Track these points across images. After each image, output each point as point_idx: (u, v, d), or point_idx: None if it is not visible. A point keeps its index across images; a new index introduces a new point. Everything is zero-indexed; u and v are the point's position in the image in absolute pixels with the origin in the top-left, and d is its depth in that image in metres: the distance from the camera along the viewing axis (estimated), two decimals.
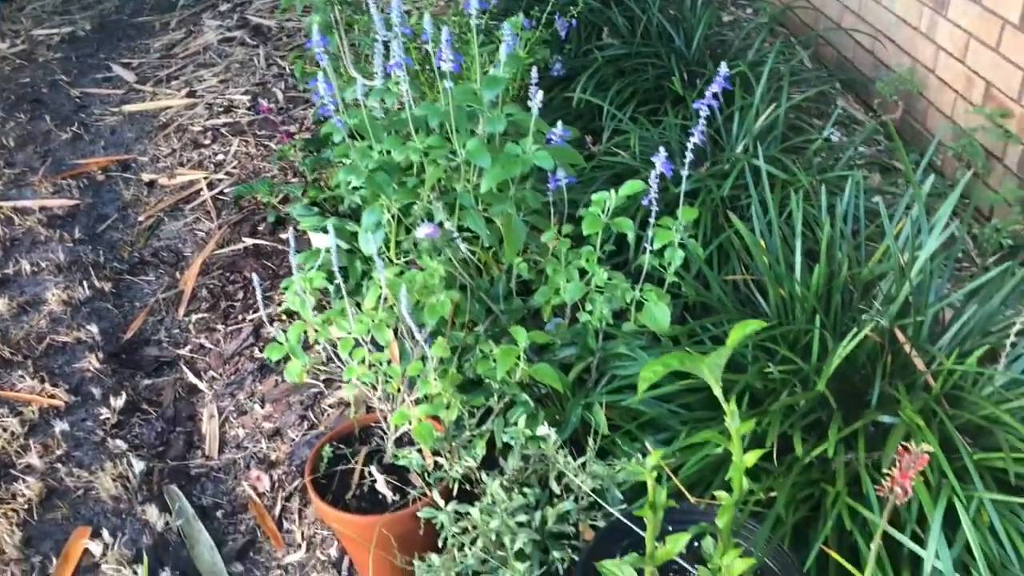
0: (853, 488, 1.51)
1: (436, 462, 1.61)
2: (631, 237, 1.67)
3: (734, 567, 1.21)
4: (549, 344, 1.74)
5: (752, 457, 1.20)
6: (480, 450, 1.64)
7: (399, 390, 1.59)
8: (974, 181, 2.54)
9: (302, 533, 1.90)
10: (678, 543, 1.24)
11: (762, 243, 1.91)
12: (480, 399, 1.66)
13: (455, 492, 1.59)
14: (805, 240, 1.98)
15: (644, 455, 1.56)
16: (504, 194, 1.71)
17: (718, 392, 1.14)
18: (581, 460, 1.48)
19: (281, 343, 1.60)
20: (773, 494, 1.52)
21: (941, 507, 1.39)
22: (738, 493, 1.24)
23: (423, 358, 1.58)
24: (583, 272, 1.75)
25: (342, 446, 1.75)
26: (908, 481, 0.97)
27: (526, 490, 1.54)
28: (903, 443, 0.99)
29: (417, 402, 1.63)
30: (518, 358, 1.57)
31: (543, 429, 1.45)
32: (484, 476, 1.57)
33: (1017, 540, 1.42)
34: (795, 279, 1.84)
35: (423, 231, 1.56)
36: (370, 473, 1.68)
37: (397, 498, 1.66)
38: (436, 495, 1.51)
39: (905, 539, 1.40)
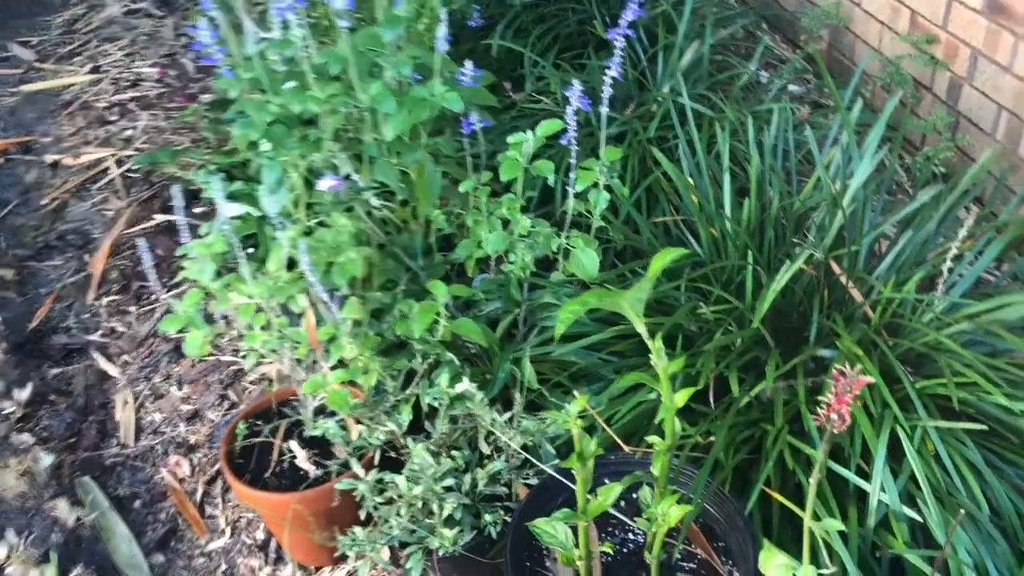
0: (794, 426, 1.44)
1: (360, 431, 1.51)
2: (552, 180, 1.58)
3: (670, 514, 1.14)
4: (474, 299, 1.64)
5: (682, 397, 1.13)
6: (406, 415, 1.54)
7: (308, 356, 1.49)
8: (902, 111, 2.49)
9: (226, 518, 1.79)
10: (610, 494, 1.16)
11: (690, 181, 1.83)
12: (403, 361, 1.56)
13: (379, 461, 1.50)
14: (736, 178, 1.91)
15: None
16: (416, 143, 1.61)
17: (641, 329, 1.06)
18: (507, 415, 1.39)
19: (179, 314, 1.48)
20: (713, 438, 1.45)
21: (884, 438, 1.33)
22: (670, 437, 1.17)
23: (337, 322, 1.48)
24: (506, 222, 1.66)
25: (260, 422, 1.64)
26: (845, 407, 0.90)
27: (455, 453, 1.46)
28: (838, 367, 0.92)
29: (333, 369, 1.52)
30: (438, 315, 1.47)
31: (463, 385, 1.36)
32: (410, 442, 1.48)
33: (963, 468, 1.37)
34: (725, 216, 1.77)
35: (325, 184, 1.45)
36: (289, 449, 1.57)
37: (320, 473, 1.56)
38: (356, 466, 1.41)
39: (849, 474, 1.34)
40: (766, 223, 1.77)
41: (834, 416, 0.90)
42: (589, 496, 1.19)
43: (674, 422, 1.16)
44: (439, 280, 1.48)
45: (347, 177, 1.57)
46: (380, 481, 1.37)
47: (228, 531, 1.77)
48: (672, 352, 1.58)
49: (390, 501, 1.40)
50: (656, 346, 1.08)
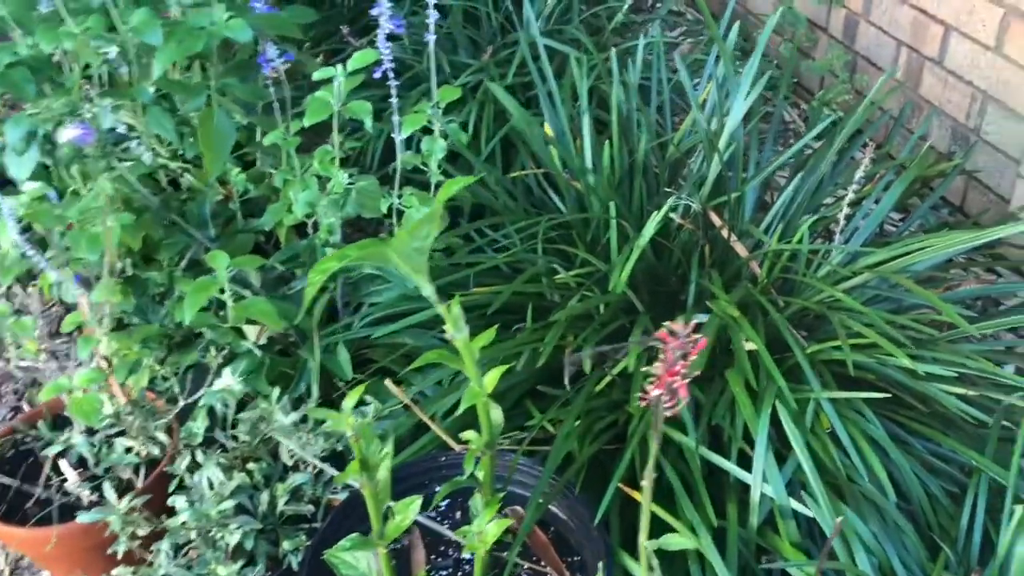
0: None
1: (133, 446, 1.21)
2: (369, 124, 1.30)
3: (486, 533, 0.87)
4: (283, 274, 1.35)
5: (492, 379, 0.86)
6: (201, 422, 1.25)
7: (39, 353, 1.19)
8: (800, 59, 2.28)
9: (7, 556, 1.47)
10: (408, 511, 0.89)
11: (547, 129, 1.57)
12: (192, 355, 1.26)
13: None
14: (606, 126, 1.65)
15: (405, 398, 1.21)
16: (200, 83, 1.31)
17: (427, 289, 0.79)
18: (295, 416, 1.11)
19: None
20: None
21: (766, 418, 1.09)
22: (487, 431, 0.90)
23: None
24: (324, 181, 1.37)
25: (29, 438, 1.33)
26: (680, 381, 0.64)
27: (251, 466, 1.17)
28: (667, 326, 0.66)
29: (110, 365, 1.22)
30: (222, 291, 1.18)
31: (226, 379, 1.07)
32: (200, 455, 1.19)
33: (864, 445, 1.13)
34: (587, 167, 1.51)
35: (66, 134, 1.14)
36: (56, 469, 1.27)
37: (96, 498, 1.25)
38: (109, 490, 1.11)
39: (727, 463, 1.09)
40: (634, 172, 1.51)
41: (663, 394, 0.64)
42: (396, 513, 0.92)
43: (490, 412, 0.89)
44: (226, 253, 1.18)
45: (112, 130, 1.27)
46: (133, 510, 1.08)
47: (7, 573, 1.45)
48: (523, 325, 1.32)
49: (160, 534, 1.11)
50: (452, 314, 0.81)
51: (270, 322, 1.15)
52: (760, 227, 1.51)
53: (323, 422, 1.14)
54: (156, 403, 1.27)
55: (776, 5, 2.24)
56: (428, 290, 0.79)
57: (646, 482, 0.71)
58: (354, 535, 0.90)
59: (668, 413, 0.65)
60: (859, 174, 1.47)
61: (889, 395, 1.13)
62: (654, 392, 0.64)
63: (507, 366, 0.88)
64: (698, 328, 1.29)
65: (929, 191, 1.88)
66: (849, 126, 1.58)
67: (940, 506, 1.16)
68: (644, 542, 0.71)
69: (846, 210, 1.47)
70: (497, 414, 0.91)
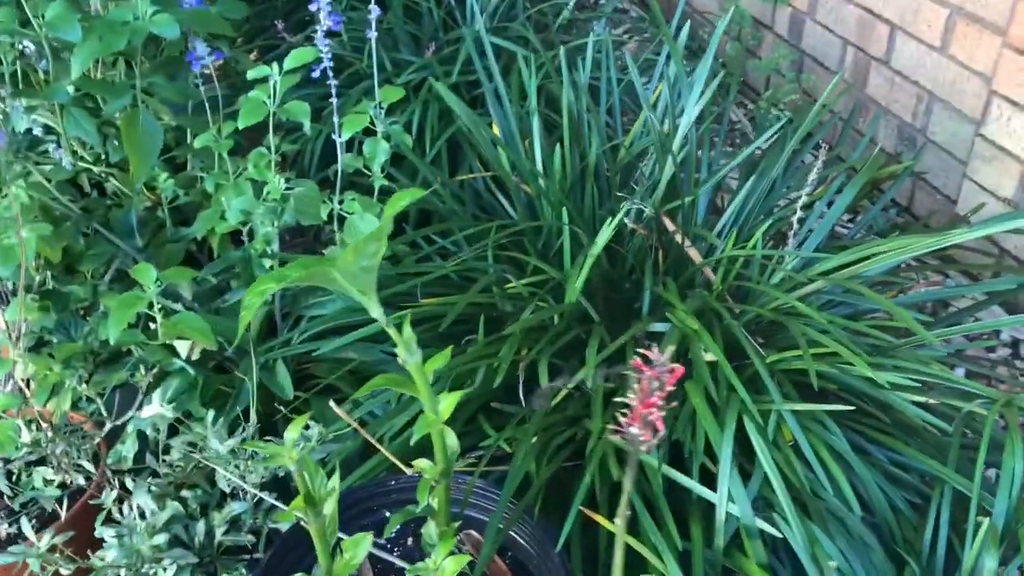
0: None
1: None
2: (308, 127, 1.22)
3: (444, 569, 0.81)
4: (218, 285, 1.27)
5: (449, 405, 0.80)
6: (131, 444, 1.16)
7: None
8: (745, 58, 2.26)
9: None
10: (358, 549, 0.82)
11: (494, 128, 1.51)
12: (120, 375, 1.18)
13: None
14: (555, 127, 1.60)
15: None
16: (124, 82, 1.22)
17: (375, 310, 0.72)
18: (232, 441, 1.04)
19: None
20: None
21: (730, 433, 1.05)
22: (442, 459, 0.84)
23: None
24: (260, 185, 1.29)
25: None
26: (656, 413, 0.59)
27: (186, 493, 1.09)
28: (639, 351, 0.61)
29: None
30: (150, 306, 1.09)
31: (155, 406, 0.99)
32: (130, 482, 1.11)
33: (827, 458, 1.10)
34: (537, 171, 1.45)
35: None
36: None
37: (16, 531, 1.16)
38: (27, 526, 1.02)
39: (690, 482, 1.05)
40: (586, 177, 1.47)
41: (635, 431, 0.59)
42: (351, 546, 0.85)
43: (445, 439, 0.83)
44: (154, 264, 1.10)
45: (27, 132, 1.17)
46: (55, 548, 0.99)
47: None
48: (474, 338, 1.26)
49: (86, 572, 1.03)
50: (403, 337, 0.75)
51: (203, 340, 1.07)
52: (714, 231, 1.48)
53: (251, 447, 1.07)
54: (84, 425, 1.18)
55: (723, 4, 2.22)
56: (377, 311, 0.72)
57: (619, 520, 0.66)
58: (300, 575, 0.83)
59: (644, 448, 0.60)
60: (812, 177, 1.44)
61: (853, 407, 1.10)
62: (630, 428, 0.59)
63: (464, 391, 0.82)
64: (655, 338, 1.26)
65: (879, 193, 1.87)
66: (801, 129, 1.55)
67: (904, 518, 1.13)
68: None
69: (799, 213, 1.44)
70: (452, 440, 0.85)
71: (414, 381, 0.78)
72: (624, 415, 0.61)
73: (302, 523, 0.80)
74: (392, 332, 0.74)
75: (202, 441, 1.04)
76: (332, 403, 1.01)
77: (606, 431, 1.08)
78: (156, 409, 1.01)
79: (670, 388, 0.58)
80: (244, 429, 1.06)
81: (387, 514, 1.08)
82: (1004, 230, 1.32)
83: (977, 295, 1.77)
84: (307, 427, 1.06)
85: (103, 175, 1.36)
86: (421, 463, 0.85)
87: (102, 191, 1.37)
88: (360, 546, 0.81)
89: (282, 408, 1.20)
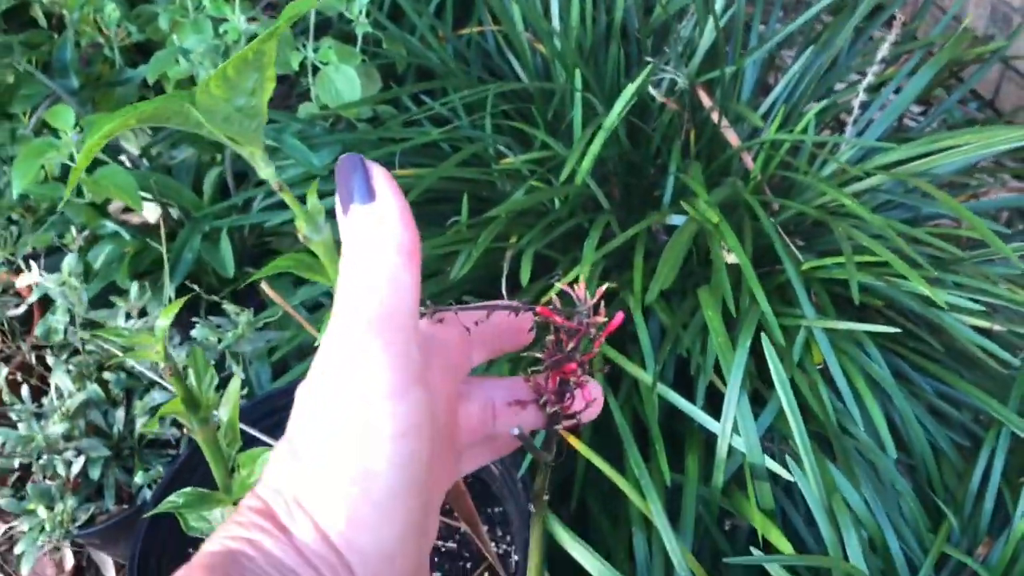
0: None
1: None
2: None
3: None
4: (172, 142, 1.10)
5: None
6: (62, 315, 1.02)
7: None
8: None
9: None
10: (255, 466, 0.67)
11: None
12: (44, 236, 1.02)
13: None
14: None
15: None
16: None
17: (259, 164, 0.54)
18: (140, 322, 0.88)
19: None
20: None
21: (743, 352, 0.86)
22: None
23: None
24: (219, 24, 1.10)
25: None
26: (578, 395, 0.38)
27: (108, 376, 0.95)
28: (559, 287, 0.39)
29: None
30: (71, 158, 0.92)
31: (32, 278, 0.84)
32: (51, 360, 0.97)
33: (862, 387, 0.92)
34: (552, 28, 1.23)
35: None
36: None
37: None
38: None
39: (690, 406, 0.87)
40: (611, 37, 1.24)
41: (554, 398, 0.38)
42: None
43: None
44: (97, 109, 0.93)
45: None
46: None
47: None
48: (458, 220, 1.07)
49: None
50: (309, 206, 0.57)
51: (128, 198, 0.90)
52: (758, 112, 1.26)
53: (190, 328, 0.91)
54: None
55: None
56: (266, 170, 0.54)
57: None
58: (189, 489, 0.68)
59: (566, 424, 0.39)
60: (881, 53, 1.21)
61: (900, 330, 0.90)
62: (546, 396, 0.38)
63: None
64: (669, 232, 1.06)
65: (958, 82, 1.62)
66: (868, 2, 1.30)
67: (947, 462, 0.95)
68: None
69: (862, 96, 1.22)
70: None
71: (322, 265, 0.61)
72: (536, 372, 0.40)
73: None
74: (289, 199, 0.56)
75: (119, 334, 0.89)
76: (264, 284, 0.84)
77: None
78: (35, 278, 0.86)
79: (596, 349, 0.38)
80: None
81: None
82: None
83: None
84: (238, 312, 0.90)
85: (54, 5, 1.18)
86: None
87: (62, 27, 1.19)
88: (256, 462, 0.66)
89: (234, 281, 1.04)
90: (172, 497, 0.68)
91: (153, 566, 0.81)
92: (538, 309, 0.35)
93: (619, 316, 0.37)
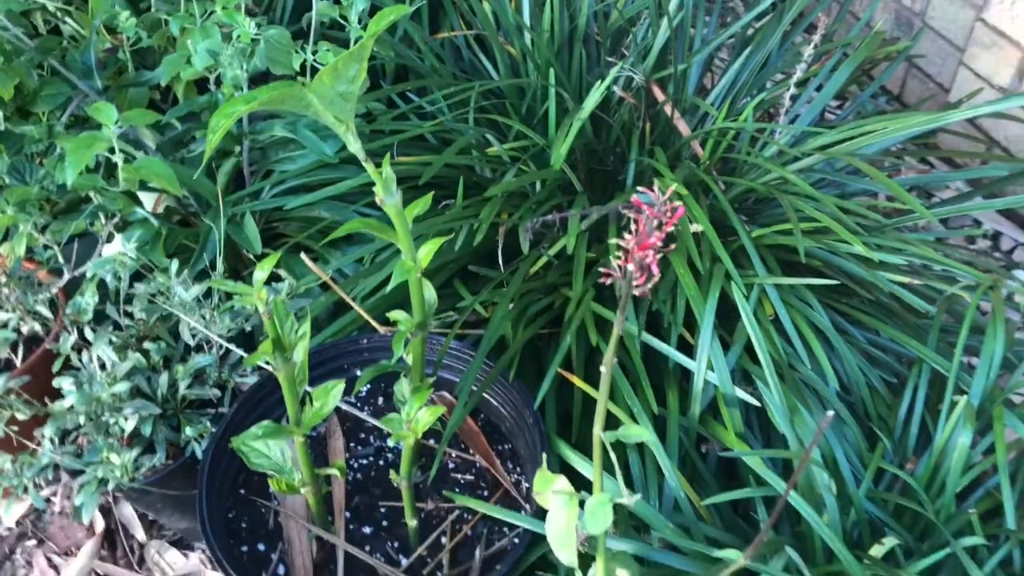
0: (604, 293, 1.12)
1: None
2: None
3: (418, 420, 0.79)
4: (181, 138, 1.20)
5: (428, 252, 0.76)
6: (91, 296, 1.11)
7: None
8: None
9: None
10: (328, 397, 0.79)
11: None
12: (78, 223, 1.12)
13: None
14: None
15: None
16: None
17: (351, 141, 0.67)
18: (197, 289, 0.99)
19: None
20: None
21: (713, 301, 1.02)
22: (419, 310, 0.80)
23: None
24: (228, 32, 1.21)
25: None
26: (652, 255, 0.55)
27: (148, 345, 1.05)
28: (640, 189, 0.57)
29: None
30: (112, 151, 1.03)
31: (116, 246, 0.95)
32: (89, 333, 1.06)
33: (808, 334, 1.09)
34: (524, 25, 1.38)
35: None
36: None
37: None
38: None
39: (668, 349, 1.03)
40: (575, 39, 1.40)
41: (632, 267, 0.56)
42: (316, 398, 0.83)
43: (423, 289, 0.80)
44: (110, 104, 1.03)
45: None
46: (11, 392, 0.95)
47: None
48: (451, 203, 1.21)
49: (44, 419, 0.99)
50: (383, 175, 0.70)
51: (168, 185, 1.01)
52: (701, 108, 1.43)
53: (229, 299, 1.02)
54: (37, 274, 1.13)
55: None
56: (355, 145, 0.67)
57: (605, 369, 0.63)
58: (266, 422, 0.80)
59: (637, 292, 0.56)
60: (808, 51, 1.39)
61: (838, 282, 1.07)
62: (626, 266, 0.55)
63: (444, 238, 0.78)
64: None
65: (870, 80, 1.82)
66: (795, 7, 1.48)
67: (880, 397, 1.13)
68: (599, 432, 0.64)
69: (792, 90, 1.39)
70: (431, 292, 0.81)
71: (391, 226, 0.74)
72: (618, 258, 0.57)
73: (271, 369, 0.77)
74: (370, 169, 0.69)
75: (166, 291, 0.99)
76: (303, 255, 0.96)
77: (586, 297, 1.05)
78: (118, 247, 0.96)
79: (669, 229, 0.55)
80: (211, 279, 1.01)
81: (357, 373, 1.06)
82: (991, 112, 1.27)
83: (961, 186, 1.75)
84: (277, 279, 1.02)
85: (59, 12, 1.27)
86: (397, 314, 0.81)
87: (57, 33, 1.28)
88: (330, 394, 0.78)
89: (252, 263, 1.15)
90: (252, 430, 0.80)
91: (214, 503, 0.92)
92: (634, 200, 0.50)
93: (682, 208, 0.52)
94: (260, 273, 0.71)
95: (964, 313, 1.09)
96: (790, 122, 1.45)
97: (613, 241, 0.57)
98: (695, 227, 1.12)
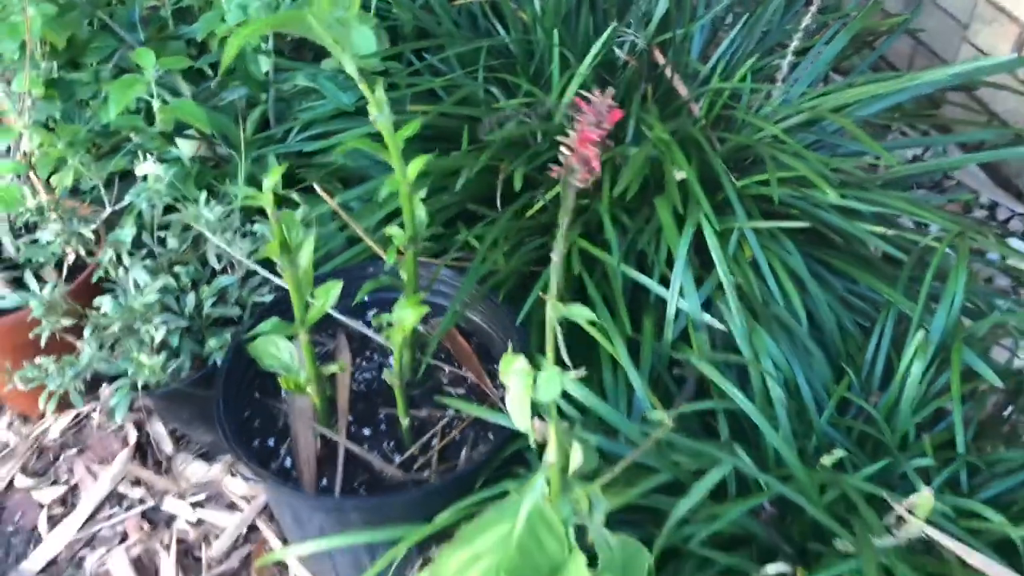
0: (596, 239, 1.21)
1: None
2: None
3: (404, 319, 0.89)
4: (214, 90, 1.32)
5: (415, 167, 0.86)
6: (129, 229, 1.23)
7: None
8: None
9: None
10: (329, 295, 0.90)
11: None
12: (117, 162, 1.24)
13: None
14: None
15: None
16: None
17: (347, 63, 0.77)
18: (221, 209, 1.10)
19: None
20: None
21: (688, 237, 1.11)
22: (410, 225, 0.91)
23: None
24: None
25: None
26: (591, 150, 0.64)
27: (178, 269, 1.17)
28: (581, 92, 0.66)
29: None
30: (151, 96, 1.15)
31: (148, 166, 1.06)
32: (127, 258, 1.18)
33: (783, 276, 1.17)
34: None
35: None
36: None
37: (19, 299, 1.24)
38: (29, 277, 1.11)
39: (644, 278, 1.12)
40: (582, 5, 1.49)
41: (575, 164, 0.65)
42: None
43: (414, 207, 0.90)
44: (149, 50, 1.15)
45: None
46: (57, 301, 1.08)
47: None
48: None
49: (95, 329, 1.11)
50: (376, 95, 0.80)
51: (200, 123, 1.13)
52: (702, 73, 1.51)
53: (252, 224, 1.14)
54: (80, 210, 1.25)
55: None
56: (351, 67, 0.78)
57: (556, 256, 0.72)
58: (273, 319, 0.91)
59: (579, 184, 0.66)
60: (806, 20, 1.46)
61: (809, 225, 1.15)
62: (570, 162, 0.64)
63: (429, 155, 0.88)
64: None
65: (873, 52, 1.88)
66: None
67: (850, 337, 1.21)
68: (553, 306, 0.73)
69: (790, 58, 1.47)
70: (421, 210, 0.91)
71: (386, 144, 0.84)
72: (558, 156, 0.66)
73: (284, 294, 0.87)
74: (364, 89, 0.79)
75: (195, 221, 1.11)
76: (316, 185, 1.07)
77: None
78: (152, 168, 1.07)
79: (607, 127, 0.64)
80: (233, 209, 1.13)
81: (366, 298, 1.16)
82: (972, 69, 1.33)
83: (954, 150, 1.81)
84: (296, 205, 1.13)
85: None
86: (392, 230, 0.91)
87: None
88: (330, 293, 0.89)
89: None
90: (261, 326, 0.91)
91: (231, 402, 1.03)
92: (575, 100, 0.60)
93: (618, 112, 0.61)
94: (269, 181, 0.82)
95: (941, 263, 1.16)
96: (790, 88, 1.53)
97: (557, 139, 0.67)
98: (679, 175, 1.21)
